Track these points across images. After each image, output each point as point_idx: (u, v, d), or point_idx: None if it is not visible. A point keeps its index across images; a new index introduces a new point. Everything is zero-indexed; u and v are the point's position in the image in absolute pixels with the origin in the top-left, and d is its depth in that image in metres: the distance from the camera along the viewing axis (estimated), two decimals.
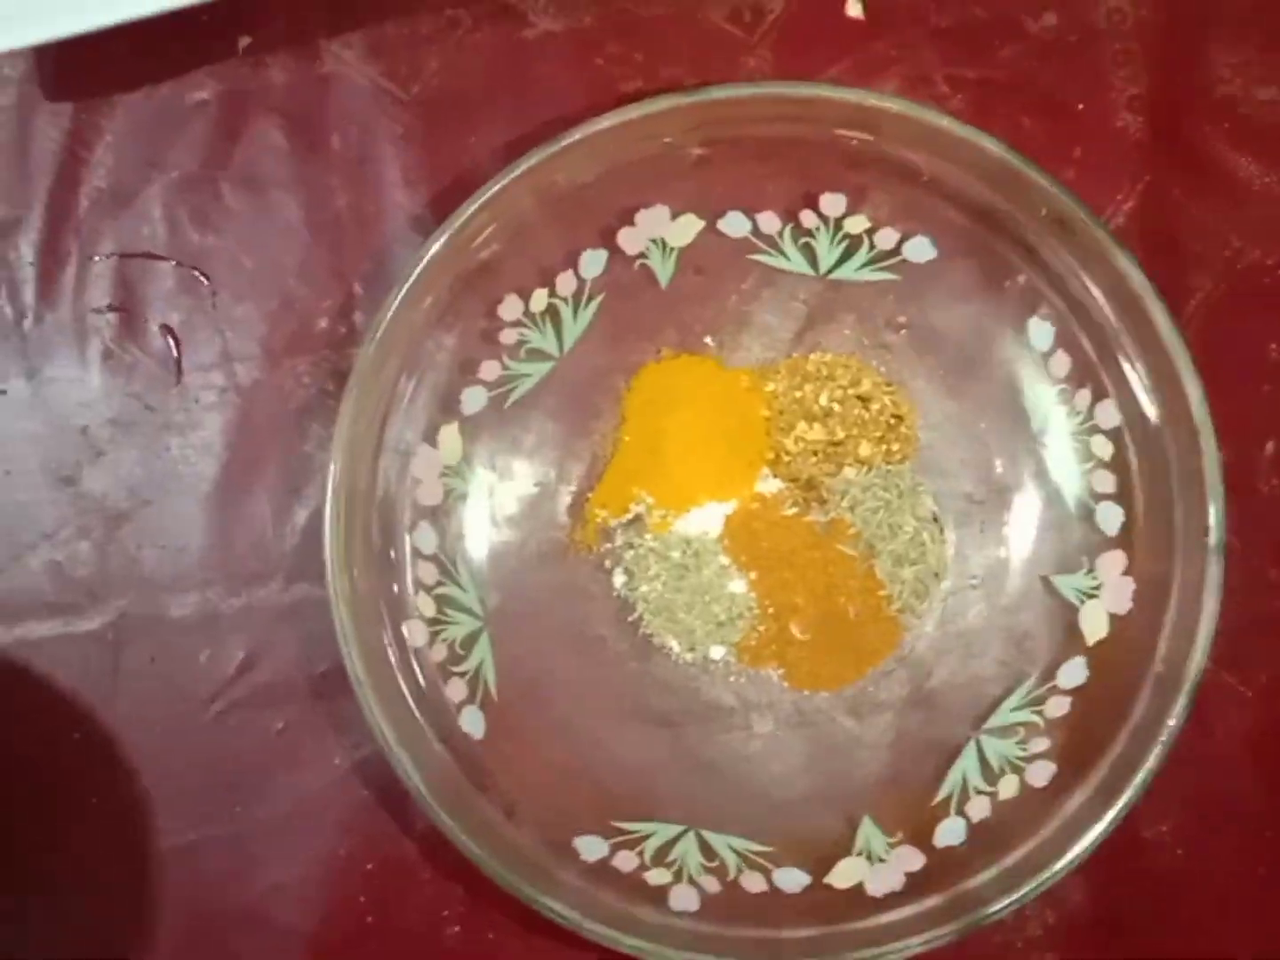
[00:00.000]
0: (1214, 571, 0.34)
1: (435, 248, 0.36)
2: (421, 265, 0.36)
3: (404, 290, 0.36)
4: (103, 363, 0.43)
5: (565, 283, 0.39)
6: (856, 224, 0.39)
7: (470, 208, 0.36)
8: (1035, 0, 0.41)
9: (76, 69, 0.43)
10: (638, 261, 0.40)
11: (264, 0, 0.43)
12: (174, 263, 0.43)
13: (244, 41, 0.43)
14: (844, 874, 0.36)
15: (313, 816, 0.41)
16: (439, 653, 0.38)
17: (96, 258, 0.44)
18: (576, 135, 0.36)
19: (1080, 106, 0.41)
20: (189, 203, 0.43)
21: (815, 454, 0.41)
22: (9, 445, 0.43)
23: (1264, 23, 0.41)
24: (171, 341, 0.43)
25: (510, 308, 0.39)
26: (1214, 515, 0.34)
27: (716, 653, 0.40)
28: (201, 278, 0.43)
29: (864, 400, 0.41)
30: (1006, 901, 0.34)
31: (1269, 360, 0.40)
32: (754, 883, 0.37)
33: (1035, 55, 0.41)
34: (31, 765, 0.42)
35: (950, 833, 0.37)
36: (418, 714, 0.37)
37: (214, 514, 0.42)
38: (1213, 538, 0.34)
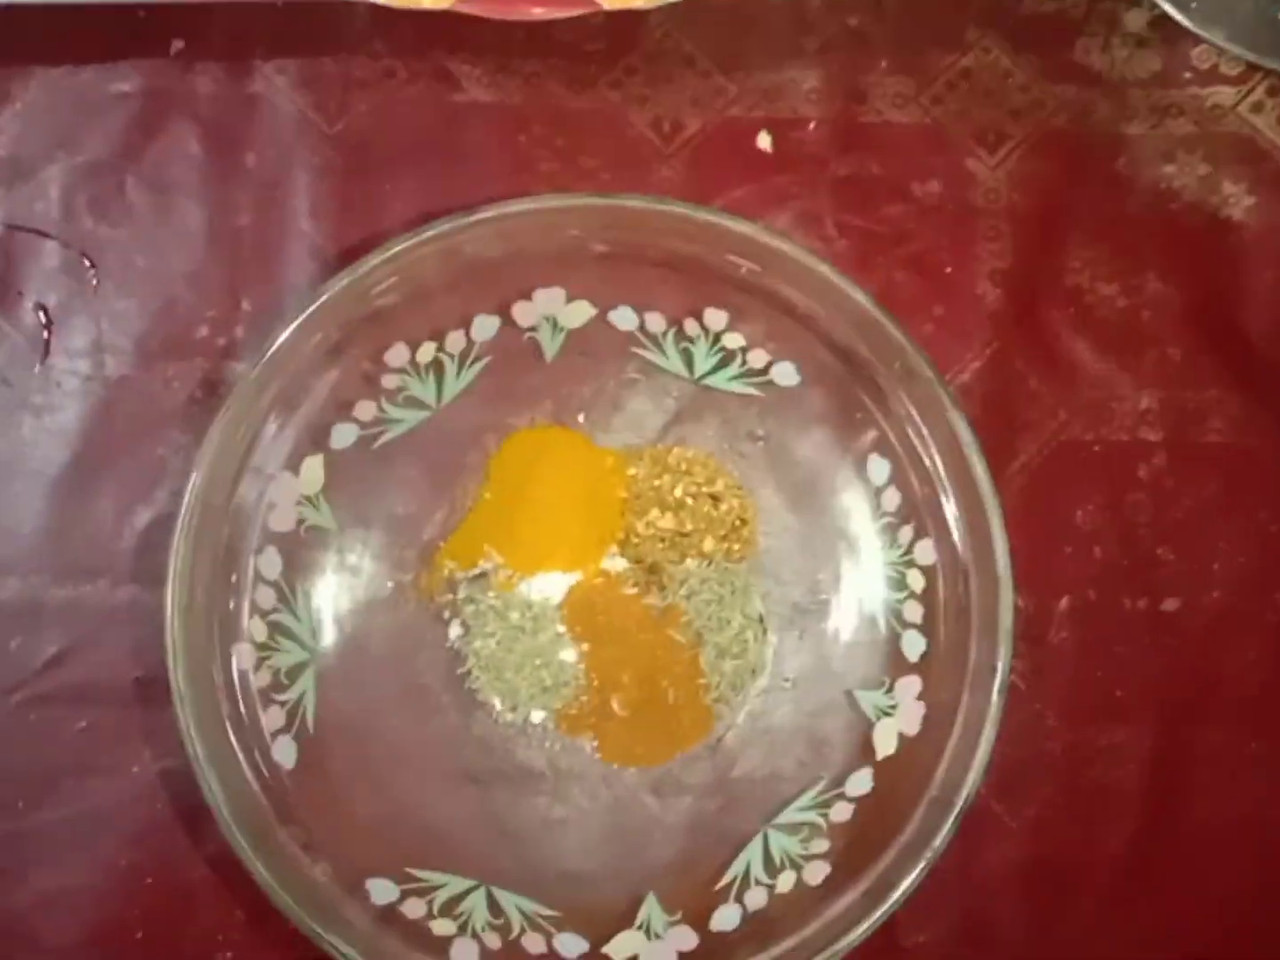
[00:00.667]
0: (995, 708, 0.38)
1: (335, 289, 0.37)
2: (318, 303, 0.37)
3: (296, 323, 0.37)
4: None
5: (455, 341, 0.41)
6: (733, 340, 0.42)
7: (375, 259, 0.37)
8: (924, 169, 0.45)
9: None
10: (527, 334, 0.41)
11: (206, 9, 0.43)
12: (63, 244, 0.43)
13: (178, 45, 0.44)
14: (621, 946, 0.38)
15: (100, 824, 0.40)
16: (263, 678, 0.39)
17: None
18: (490, 213, 0.37)
19: (948, 270, 0.44)
20: (90, 190, 0.43)
21: (663, 540, 0.43)
22: None
23: (1115, 230, 0.45)
24: (44, 319, 0.43)
25: (397, 355, 0.40)
26: (1003, 656, 0.38)
27: (537, 716, 0.41)
28: (88, 264, 0.43)
29: (715, 499, 0.43)
30: None
31: (1074, 525, 0.44)
32: (534, 944, 0.38)
33: (916, 217, 0.45)
34: None
35: (726, 918, 0.39)
36: (232, 735, 0.37)
37: (55, 502, 0.42)
38: (998, 677, 0.37)
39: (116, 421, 0.42)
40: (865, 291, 0.39)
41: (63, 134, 0.43)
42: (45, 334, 0.43)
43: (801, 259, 0.38)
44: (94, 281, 0.43)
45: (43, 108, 0.43)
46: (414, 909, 0.38)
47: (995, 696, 0.37)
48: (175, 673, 0.35)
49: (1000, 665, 0.37)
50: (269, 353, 0.37)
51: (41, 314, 0.43)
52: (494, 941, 0.38)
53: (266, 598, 0.39)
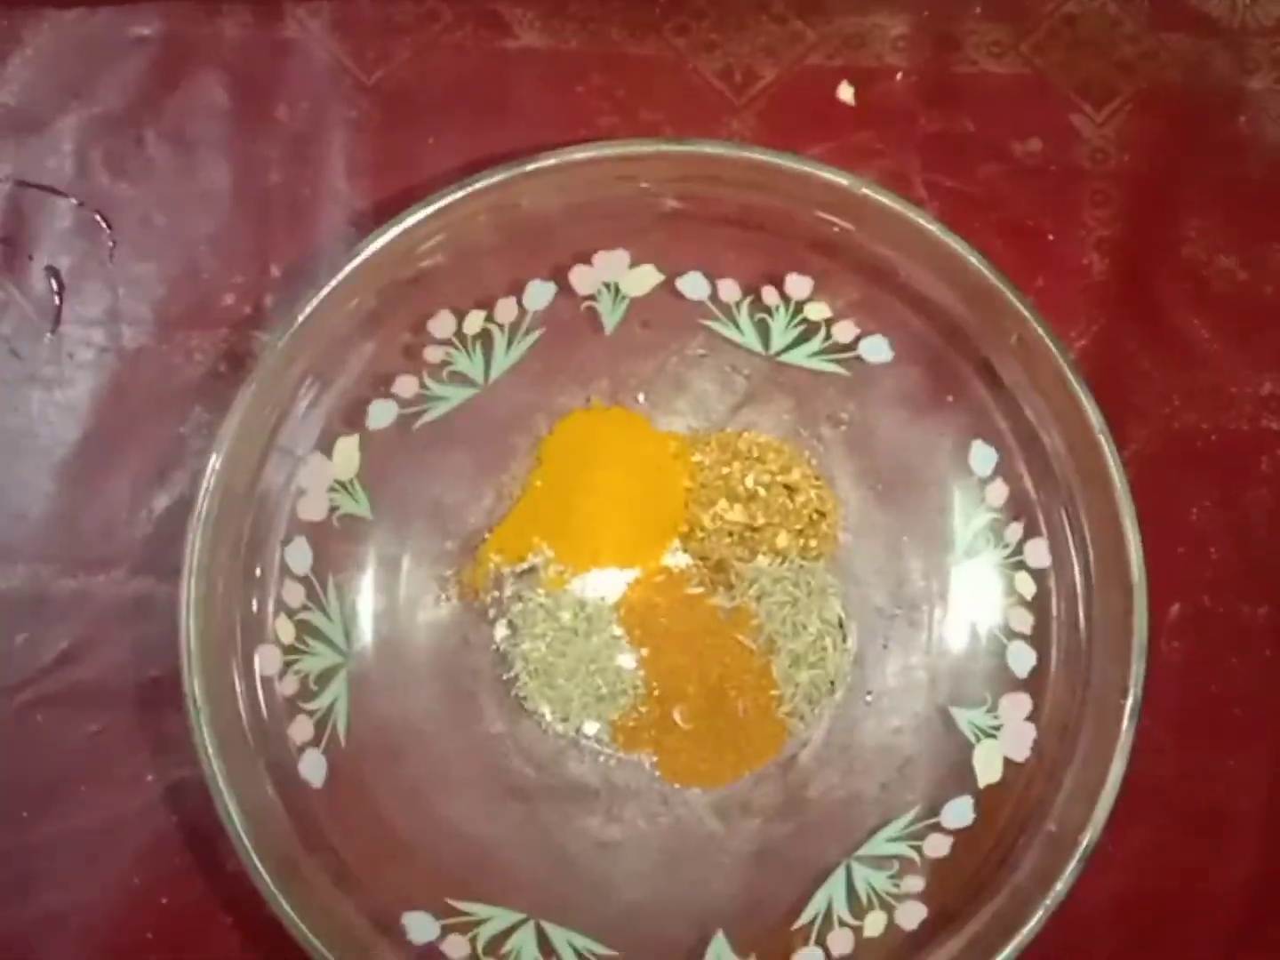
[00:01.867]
0: (1126, 734, 0.33)
1: (375, 246, 0.34)
2: (356, 262, 0.34)
3: (331, 285, 0.34)
4: None
5: (505, 310, 0.37)
6: (817, 311, 0.38)
7: (421, 212, 0.34)
8: (1023, 125, 0.42)
9: None
10: (585, 303, 0.38)
11: None
12: (76, 203, 0.40)
13: None
14: None
15: (110, 838, 0.37)
16: (289, 685, 0.35)
17: None
18: (551, 161, 0.34)
19: (1050, 237, 0.41)
20: (107, 144, 0.40)
21: (731, 535, 0.39)
22: None
23: (1235, 196, 0.42)
24: (55, 286, 0.40)
25: (442, 325, 0.37)
26: (1135, 677, 0.34)
27: (590, 728, 0.38)
28: (104, 225, 0.40)
29: (790, 490, 0.39)
30: None
31: (1189, 523, 0.40)
32: None
33: (1015, 178, 0.41)
34: None
35: None
36: (254, 749, 0.34)
37: (65, 484, 0.39)
38: (1130, 699, 0.33)
39: (133, 396, 0.39)
40: (979, 252, 0.35)
41: (77, 83, 0.40)
42: (57, 300, 0.40)
43: (904, 214, 0.34)
44: (110, 244, 0.40)
45: (55, 54, 0.41)
46: (456, 948, 0.34)
47: (1126, 722, 0.33)
48: (190, 678, 0.32)
49: (1133, 687, 0.33)
50: (300, 318, 0.34)
51: (53, 279, 0.40)
52: None
53: (295, 595, 0.36)
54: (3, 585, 0.38)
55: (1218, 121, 0.42)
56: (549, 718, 0.38)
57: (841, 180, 0.34)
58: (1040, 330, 0.34)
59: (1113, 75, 0.42)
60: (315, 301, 0.34)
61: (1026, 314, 0.35)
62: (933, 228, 0.34)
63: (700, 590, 0.39)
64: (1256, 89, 0.42)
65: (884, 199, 0.34)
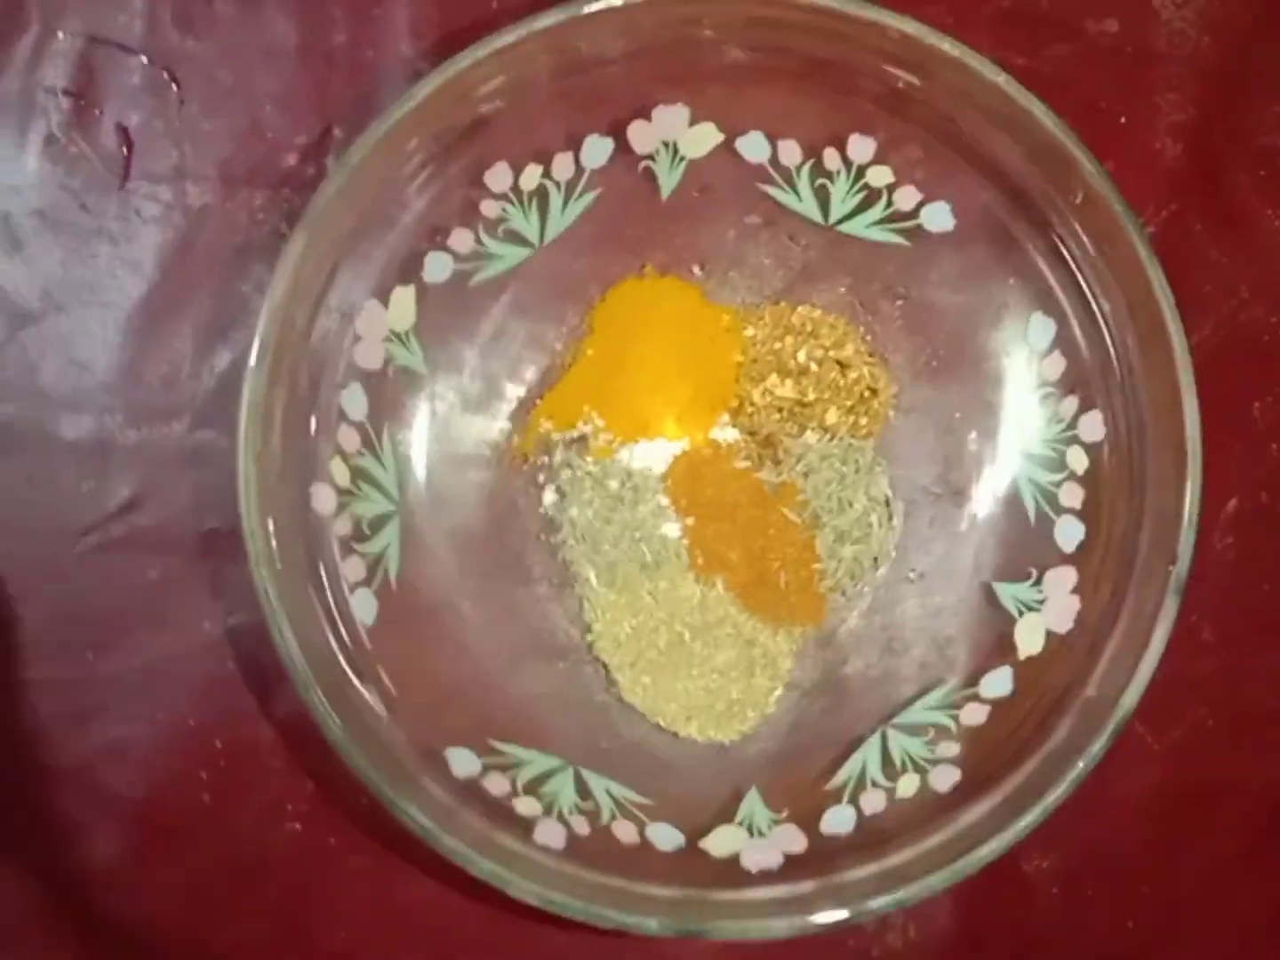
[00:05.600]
0: (1170, 605, 0.33)
1: (432, 86, 0.33)
2: (412, 103, 0.33)
3: (387, 127, 0.33)
4: (43, 148, 0.40)
5: (562, 166, 0.37)
6: (879, 175, 0.37)
7: (479, 51, 0.33)
8: (1100, 4, 0.40)
9: None
10: (643, 163, 0.37)
11: None
12: (145, 59, 0.40)
13: None
14: (721, 841, 0.34)
15: (167, 679, 0.38)
16: (343, 526, 0.35)
17: (60, 34, 0.40)
18: (613, 1, 0.33)
19: (1122, 120, 0.40)
20: (175, 0, 0.40)
21: (780, 411, 0.39)
22: None
23: None
24: (123, 142, 0.40)
25: (498, 178, 0.36)
26: (1184, 547, 0.33)
27: None
28: (172, 82, 0.40)
29: (842, 366, 0.39)
30: (881, 902, 0.33)
31: (1250, 418, 0.40)
32: (625, 832, 0.35)
33: (1088, 58, 0.40)
34: None
35: (839, 821, 0.35)
36: (308, 584, 0.34)
37: (130, 337, 0.39)
38: (1178, 570, 0.33)
39: (197, 253, 0.39)
40: (1048, 106, 0.33)
41: None
42: (125, 156, 0.40)
43: (975, 66, 0.33)
44: (178, 102, 0.40)
45: None
46: (497, 784, 0.34)
47: (1171, 594, 0.33)
48: (248, 512, 0.32)
49: (1180, 558, 0.33)
50: (355, 159, 0.33)
51: (122, 135, 0.40)
52: (582, 826, 0.34)
53: (350, 439, 0.36)
54: (70, 434, 0.39)
55: None
56: (594, 582, 0.38)
57: (911, 28, 0.33)
58: (1104, 185, 0.33)
59: None
60: (371, 142, 0.33)
61: (1090, 167, 0.33)
62: (1000, 79, 0.33)
63: (747, 464, 0.39)
64: None
65: (954, 49, 0.33)
